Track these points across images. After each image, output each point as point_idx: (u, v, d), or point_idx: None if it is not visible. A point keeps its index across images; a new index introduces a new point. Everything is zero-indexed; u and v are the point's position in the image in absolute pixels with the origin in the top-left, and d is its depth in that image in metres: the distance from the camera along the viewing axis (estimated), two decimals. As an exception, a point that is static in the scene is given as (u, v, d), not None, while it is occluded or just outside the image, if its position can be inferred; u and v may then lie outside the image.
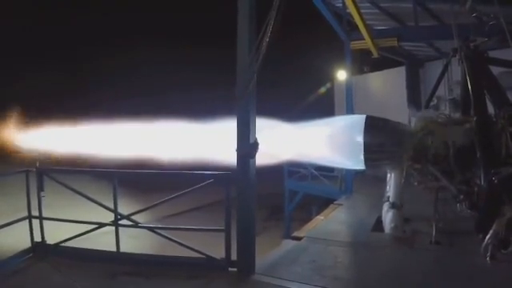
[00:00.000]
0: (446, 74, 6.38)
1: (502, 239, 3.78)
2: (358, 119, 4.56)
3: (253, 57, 3.49)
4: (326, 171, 9.29)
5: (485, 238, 3.86)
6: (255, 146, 3.63)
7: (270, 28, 3.31)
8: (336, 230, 5.32)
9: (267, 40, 3.34)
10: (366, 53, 8.94)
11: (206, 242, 3.92)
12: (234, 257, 3.70)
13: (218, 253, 3.77)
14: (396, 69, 12.37)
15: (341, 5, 7.75)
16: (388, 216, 5.06)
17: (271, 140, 4.42)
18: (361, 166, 4.51)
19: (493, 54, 4.68)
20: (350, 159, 4.57)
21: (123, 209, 4.09)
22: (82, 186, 4.33)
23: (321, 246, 4.54)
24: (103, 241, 4.01)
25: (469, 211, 4.44)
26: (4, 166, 5.64)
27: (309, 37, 17.17)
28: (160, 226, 4.53)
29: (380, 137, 4.40)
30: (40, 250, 4.12)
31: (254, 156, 3.62)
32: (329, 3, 7.66)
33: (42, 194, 4.20)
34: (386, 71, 12.90)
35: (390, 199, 5.21)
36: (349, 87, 8.18)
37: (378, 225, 5.38)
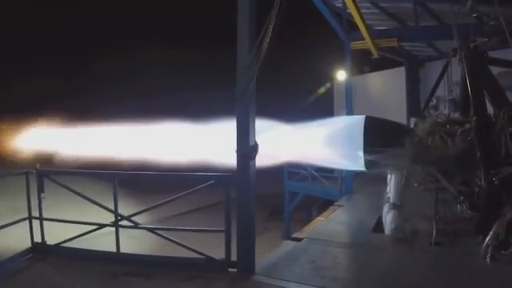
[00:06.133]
0: (445, 74, 6.39)
1: (502, 240, 3.78)
2: (358, 120, 4.57)
3: (253, 58, 3.49)
4: (325, 172, 9.29)
5: (485, 238, 3.86)
6: (255, 147, 3.63)
7: (270, 29, 3.31)
8: (336, 231, 5.32)
9: (267, 41, 3.34)
10: (366, 53, 8.95)
11: (206, 242, 3.92)
12: (234, 257, 3.70)
13: (218, 253, 3.78)
14: (396, 69, 12.37)
15: (341, 5, 7.75)
16: (388, 217, 5.06)
17: (271, 141, 4.42)
18: (360, 167, 4.52)
19: (493, 54, 4.69)
20: (350, 160, 4.57)
21: (123, 210, 4.09)
22: (83, 187, 4.32)
23: (321, 246, 4.55)
24: (103, 241, 4.01)
25: (469, 212, 4.45)
26: (4, 168, 5.64)
27: (309, 37, 17.15)
28: (160, 226, 4.52)
29: (379, 137, 4.40)
30: (40, 250, 4.12)
31: (253, 158, 3.62)
32: (329, 3, 7.67)
33: (42, 195, 4.20)
34: (385, 71, 12.89)
35: (391, 200, 5.21)
36: (348, 87, 8.18)
37: (379, 226, 5.38)
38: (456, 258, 4.08)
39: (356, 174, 7.98)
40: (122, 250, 3.99)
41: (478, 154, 4.09)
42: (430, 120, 4.77)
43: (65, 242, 4.16)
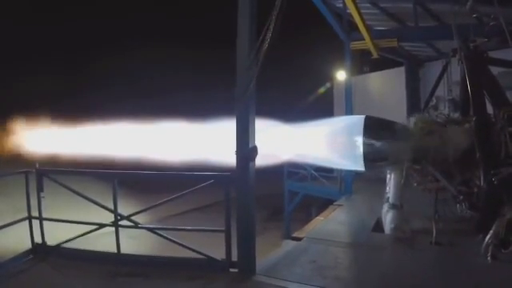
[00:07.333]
0: (445, 75, 6.39)
1: (503, 239, 3.78)
2: (357, 120, 4.57)
3: (253, 59, 3.48)
4: (325, 172, 9.29)
5: (485, 238, 3.87)
6: (254, 149, 3.63)
7: (271, 29, 3.31)
8: (336, 231, 5.32)
9: (268, 41, 3.33)
10: (365, 53, 8.95)
11: (206, 242, 3.92)
12: (234, 257, 3.70)
13: (218, 253, 3.78)
14: (396, 69, 12.37)
15: (341, 5, 7.75)
16: (388, 216, 5.06)
17: (271, 141, 4.42)
18: (360, 167, 4.52)
19: (493, 54, 4.69)
20: (350, 160, 4.57)
21: (123, 209, 4.09)
22: (82, 186, 4.32)
23: (321, 246, 4.55)
24: (103, 242, 4.01)
25: (468, 211, 4.45)
26: (4, 167, 5.63)
27: (309, 37, 17.18)
28: (160, 226, 4.52)
29: (379, 137, 4.40)
30: (40, 251, 4.12)
31: (253, 159, 3.62)
32: (329, 3, 7.67)
33: (42, 194, 4.19)
34: (385, 71, 12.90)
35: (390, 200, 5.21)
36: (348, 87, 8.18)
37: (378, 225, 5.39)
38: (456, 257, 4.09)
39: (356, 174, 7.98)
40: (123, 250, 3.99)
41: (478, 154, 4.10)
42: (424, 117, 4.78)
43: (65, 242, 4.15)
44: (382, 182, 5.79)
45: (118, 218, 4.00)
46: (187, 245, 3.86)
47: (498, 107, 4.23)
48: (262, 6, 3.62)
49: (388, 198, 5.31)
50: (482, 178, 4.08)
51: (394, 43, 8.17)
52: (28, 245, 4.14)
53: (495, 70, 4.65)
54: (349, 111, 7.99)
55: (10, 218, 4.03)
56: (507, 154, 4.00)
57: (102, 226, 4.08)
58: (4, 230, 3.87)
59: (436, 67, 9.19)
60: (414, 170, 4.80)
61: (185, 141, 5.44)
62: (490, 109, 4.40)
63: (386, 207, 5.23)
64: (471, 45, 4.57)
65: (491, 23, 4.41)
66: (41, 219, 4.19)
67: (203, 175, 3.95)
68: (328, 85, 15.19)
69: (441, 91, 6.63)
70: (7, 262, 3.81)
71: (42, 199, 4.20)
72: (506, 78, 4.95)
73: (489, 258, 3.76)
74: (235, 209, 3.67)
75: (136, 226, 4.10)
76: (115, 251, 3.96)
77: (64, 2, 18.32)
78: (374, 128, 4.46)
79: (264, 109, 4.29)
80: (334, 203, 7.23)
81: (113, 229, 3.99)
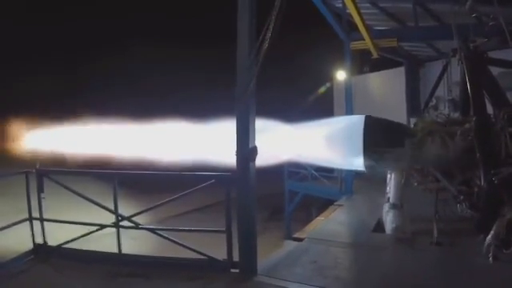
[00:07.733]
0: (445, 75, 6.40)
1: (504, 239, 3.79)
2: (358, 120, 4.57)
3: (253, 59, 3.48)
4: (326, 172, 9.29)
5: (486, 238, 3.87)
6: (255, 149, 3.63)
7: (270, 30, 3.31)
8: (337, 231, 5.33)
9: (268, 41, 3.33)
10: (365, 53, 8.96)
11: (207, 243, 3.92)
12: (235, 258, 3.71)
13: (218, 254, 3.78)
14: (396, 69, 12.36)
15: (340, 5, 7.75)
16: (389, 217, 5.06)
17: (271, 141, 4.42)
18: (360, 167, 4.52)
19: (492, 54, 4.69)
20: (350, 160, 4.57)
21: (124, 210, 4.09)
22: (83, 186, 4.32)
23: (322, 246, 4.55)
24: (104, 242, 4.01)
25: (469, 211, 4.46)
26: (4, 167, 5.64)
27: (308, 37, 17.17)
28: (161, 227, 4.52)
29: (380, 137, 4.40)
30: (41, 251, 4.12)
31: (253, 159, 3.62)
32: (328, 3, 7.67)
33: (42, 195, 4.19)
34: (385, 71, 12.89)
35: (391, 200, 5.22)
36: (348, 87, 8.19)
37: (379, 225, 5.39)
38: (457, 257, 4.09)
39: (356, 174, 7.98)
40: (124, 250, 3.99)
41: (478, 154, 4.10)
42: (427, 119, 4.80)
43: (66, 243, 4.15)
44: (383, 181, 5.80)
45: (119, 218, 4.00)
46: (188, 245, 3.86)
47: (498, 107, 4.23)
48: (262, 6, 3.62)
49: (389, 198, 5.32)
50: (482, 178, 4.08)
51: (394, 43, 8.18)
52: (29, 245, 4.14)
53: (495, 71, 4.66)
54: (349, 111, 8.00)
55: (12, 218, 4.04)
56: (507, 154, 4.00)
57: (103, 226, 4.09)
58: (5, 230, 3.87)
59: (436, 67, 9.19)
60: (415, 169, 4.81)
61: (185, 141, 5.44)
62: (490, 109, 4.41)
63: (386, 207, 5.23)
64: (471, 45, 4.57)
65: (491, 23, 4.41)
66: (41, 220, 4.19)
67: (204, 175, 3.96)
68: (328, 85, 15.20)
69: (441, 91, 6.64)
70: (8, 263, 3.82)
71: (43, 200, 4.20)
72: (506, 78, 4.95)
73: (490, 259, 3.76)
74: (236, 209, 3.67)
75: (137, 226, 4.10)
76: (116, 252, 3.96)
77: (64, 2, 18.32)
78: (375, 128, 4.46)
79: (264, 108, 4.29)
80: (335, 203, 7.23)
81: (114, 229, 3.99)
